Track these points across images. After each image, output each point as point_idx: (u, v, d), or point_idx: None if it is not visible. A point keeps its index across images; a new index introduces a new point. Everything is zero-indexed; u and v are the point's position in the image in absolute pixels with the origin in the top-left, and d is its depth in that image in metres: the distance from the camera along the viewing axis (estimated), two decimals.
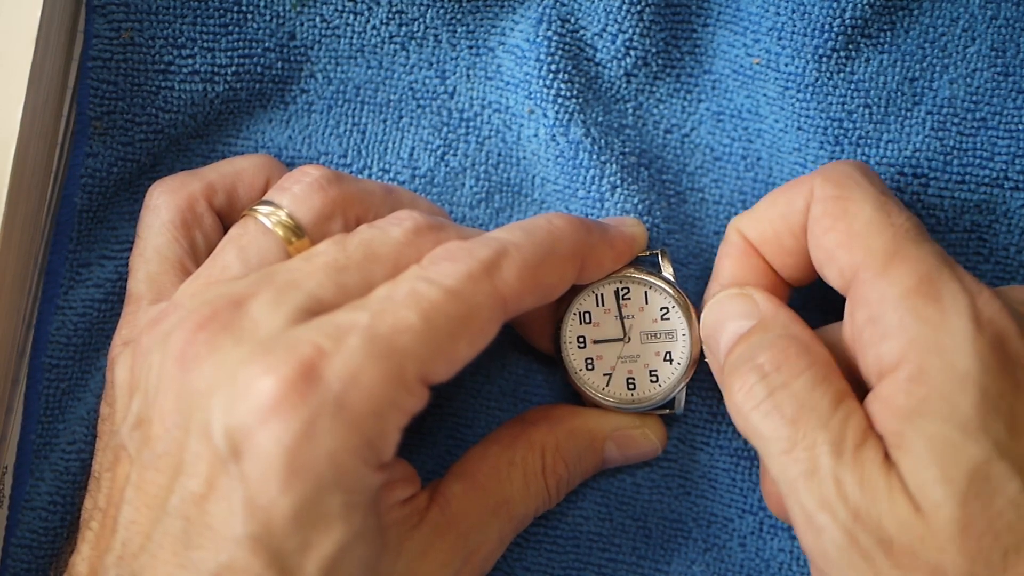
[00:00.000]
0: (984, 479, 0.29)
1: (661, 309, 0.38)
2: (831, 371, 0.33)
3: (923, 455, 0.30)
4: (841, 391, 0.32)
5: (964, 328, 0.31)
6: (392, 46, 0.42)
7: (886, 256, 0.32)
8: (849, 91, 0.40)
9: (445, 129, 0.41)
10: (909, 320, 0.31)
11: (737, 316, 0.35)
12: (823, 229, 0.34)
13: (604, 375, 0.38)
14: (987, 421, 0.30)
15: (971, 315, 0.31)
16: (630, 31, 0.41)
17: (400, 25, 0.41)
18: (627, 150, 0.41)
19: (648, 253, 0.38)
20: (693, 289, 0.40)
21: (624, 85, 0.41)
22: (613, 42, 0.41)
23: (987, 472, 0.29)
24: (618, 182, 0.40)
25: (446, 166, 0.41)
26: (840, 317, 0.36)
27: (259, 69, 0.41)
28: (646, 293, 0.38)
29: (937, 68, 0.40)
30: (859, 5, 0.39)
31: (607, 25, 0.41)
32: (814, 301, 0.40)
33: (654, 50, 0.41)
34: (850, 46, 0.40)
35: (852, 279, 0.33)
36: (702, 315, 0.37)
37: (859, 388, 0.34)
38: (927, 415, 0.30)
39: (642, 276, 0.38)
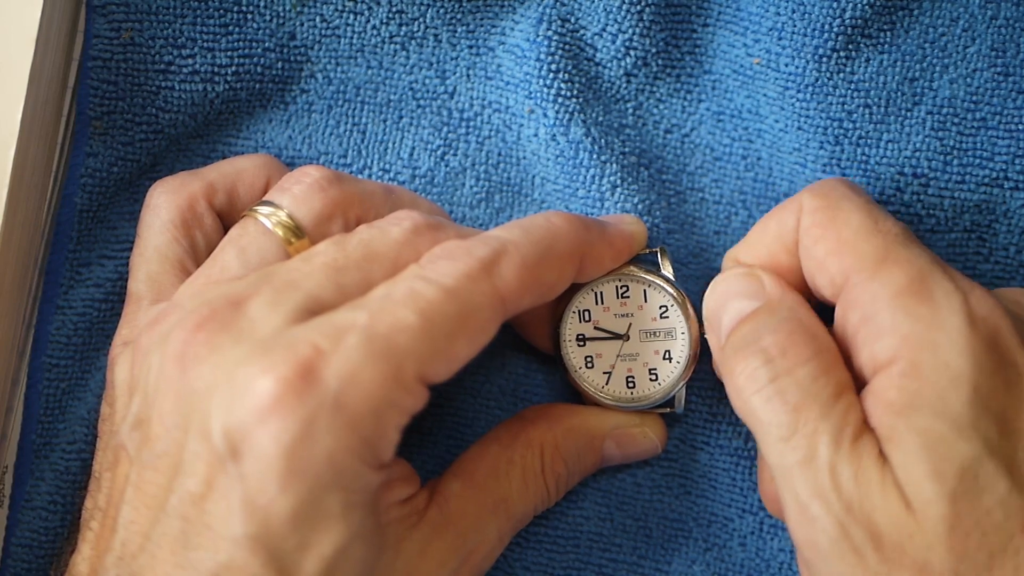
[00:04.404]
0: (973, 477, 0.29)
1: (660, 307, 0.38)
2: (835, 360, 0.33)
3: (914, 450, 0.30)
4: (843, 382, 0.32)
5: (957, 325, 0.31)
6: (392, 46, 0.42)
7: (877, 260, 0.32)
8: (849, 91, 0.40)
9: (445, 129, 0.41)
10: (901, 318, 0.31)
11: (741, 296, 0.35)
12: (813, 239, 0.34)
13: (604, 373, 0.38)
14: (978, 419, 0.30)
15: (964, 313, 0.31)
16: (630, 31, 0.41)
17: (400, 25, 0.41)
18: (627, 150, 0.41)
19: (647, 251, 0.38)
20: (693, 288, 0.39)
21: (624, 85, 0.41)
22: (613, 42, 0.41)
23: (976, 471, 0.29)
24: (618, 182, 0.40)
25: (446, 166, 0.41)
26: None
27: (259, 69, 0.41)
28: (645, 291, 0.38)
29: (937, 68, 0.40)
30: (859, 5, 0.39)
31: (607, 25, 0.41)
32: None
33: (654, 50, 0.41)
34: (850, 46, 0.40)
35: (843, 285, 0.33)
36: (705, 293, 0.36)
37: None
38: (919, 410, 0.30)
39: (641, 274, 0.38)
